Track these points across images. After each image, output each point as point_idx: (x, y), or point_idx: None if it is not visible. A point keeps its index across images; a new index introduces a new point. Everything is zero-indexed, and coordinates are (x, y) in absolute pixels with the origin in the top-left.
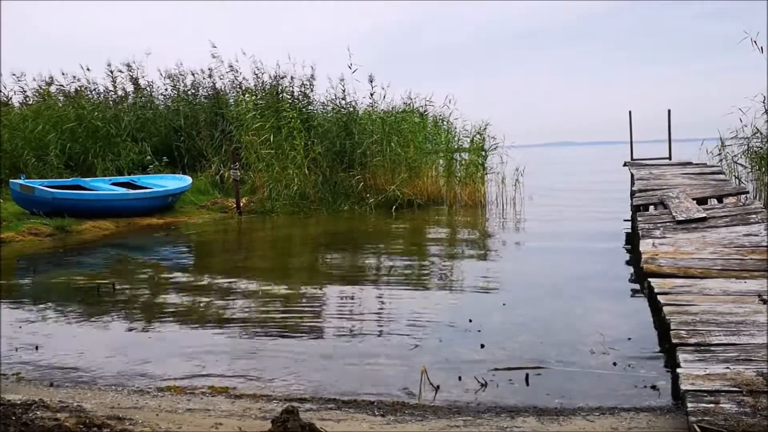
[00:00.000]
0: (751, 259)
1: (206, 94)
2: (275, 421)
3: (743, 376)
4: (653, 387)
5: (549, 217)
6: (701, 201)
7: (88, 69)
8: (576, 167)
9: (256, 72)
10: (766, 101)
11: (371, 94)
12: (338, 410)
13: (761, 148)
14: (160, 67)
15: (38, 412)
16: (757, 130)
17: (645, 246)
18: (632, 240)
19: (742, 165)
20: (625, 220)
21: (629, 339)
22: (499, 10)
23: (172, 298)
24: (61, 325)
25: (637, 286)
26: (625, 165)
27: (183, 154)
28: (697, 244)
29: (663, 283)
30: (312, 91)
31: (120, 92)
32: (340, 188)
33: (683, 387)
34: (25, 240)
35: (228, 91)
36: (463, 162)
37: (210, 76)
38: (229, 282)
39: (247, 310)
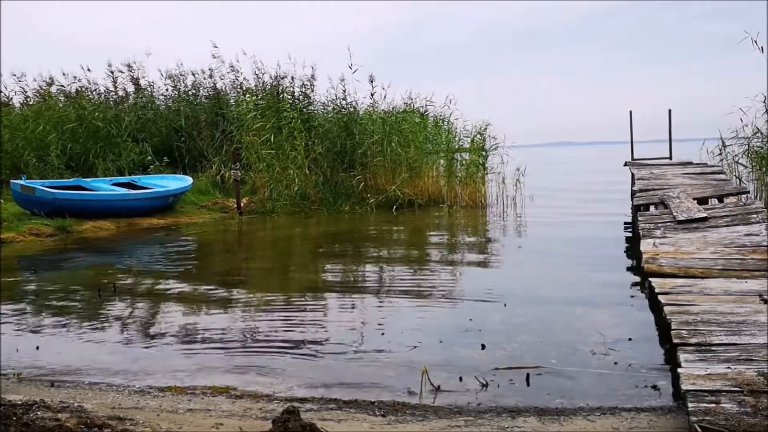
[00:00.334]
0: (752, 258)
1: (207, 94)
2: (276, 421)
3: (744, 376)
4: (654, 387)
5: (549, 216)
6: (702, 201)
7: (88, 69)
8: (576, 167)
9: (257, 72)
10: (766, 101)
11: (372, 94)
12: (339, 410)
13: (762, 147)
14: (160, 67)
15: (39, 413)
16: (758, 129)
17: (646, 246)
18: (633, 240)
19: (742, 165)
20: (625, 223)
21: (630, 339)
22: (499, 10)
23: (172, 297)
24: (61, 326)
25: (637, 286)
26: (625, 165)
27: (184, 155)
28: (697, 243)
29: (664, 282)
30: (312, 91)
31: (121, 92)
32: (341, 188)
33: (684, 387)
34: (25, 240)
35: (229, 92)
36: (464, 162)
37: (211, 76)
38: (230, 282)
39: (247, 310)
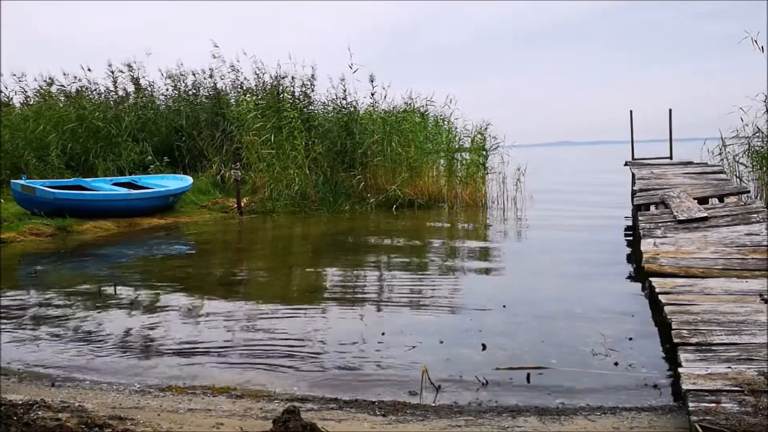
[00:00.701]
0: (753, 258)
1: (207, 94)
2: (276, 421)
3: (745, 375)
4: (654, 386)
5: (549, 216)
6: (702, 200)
7: (88, 69)
8: (576, 167)
9: (257, 72)
10: (767, 100)
11: (372, 94)
12: (339, 410)
13: (762, 147)
14: (160, 67)
15: (40, 413)
16: (758, 129)
17: (646, 245)
18: (633, 239)
19: (743, 164)
20: (626, 224)
21: (630, 339)
22: (499, 10)
23: (173, 297)
24: (62, 325)
25: (638, 286)
26: (626, 165)
27: (184, 154)
28: (698, 243)
29: (664, 282)
30: (313, 91)
31: (121, 92)
32: (341, 188)
33: (684, 386)
34: (26, 240)
35: (229, 91)
36: (464, 162)
37: (211, 76)
38: (230, 281)
39: (247, 309)
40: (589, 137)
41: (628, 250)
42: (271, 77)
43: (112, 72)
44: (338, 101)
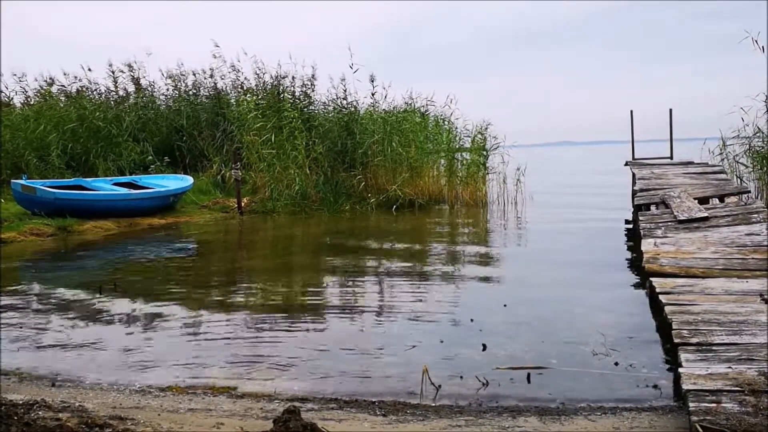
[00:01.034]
0: (753, 258)
1: (207, 94)
2: (277, 420)
3: (745, 375)
4: (655, 386)
5: (550, 216)
6: (703, 200)
7: (89, 69)
8: (577, 167)
9: (258, 72)
10: (767, 101)
11: (372, 94)
12: (340, 410)
13: (763, 147)
14: (161, 67)
15: (40, 412)
16: (759, 129)
17: (646, 245)
18: (633, 239)
19: (743, 164)
20: (626, 224)
21: (631, 339)
22: (499, 10)
23: (174, 297)
24: (62, 325)
25: (638, 286)
26: (626, 164)
27: (184, 154)
28: (698, 243)
29: (664, 282)
30: (313, 90)
31: (121, 92)
32: (342, 188)
33: (685, 386)
34: (26, 240)
35: (229, 91)
36: (464, 162)
37: (211, 76)
38: (230, 282)
39: (248, 310)
40: (589, 137)
41: (629, 250)
42: (271, 77)
43: (113, 72)
44: (339, 101)
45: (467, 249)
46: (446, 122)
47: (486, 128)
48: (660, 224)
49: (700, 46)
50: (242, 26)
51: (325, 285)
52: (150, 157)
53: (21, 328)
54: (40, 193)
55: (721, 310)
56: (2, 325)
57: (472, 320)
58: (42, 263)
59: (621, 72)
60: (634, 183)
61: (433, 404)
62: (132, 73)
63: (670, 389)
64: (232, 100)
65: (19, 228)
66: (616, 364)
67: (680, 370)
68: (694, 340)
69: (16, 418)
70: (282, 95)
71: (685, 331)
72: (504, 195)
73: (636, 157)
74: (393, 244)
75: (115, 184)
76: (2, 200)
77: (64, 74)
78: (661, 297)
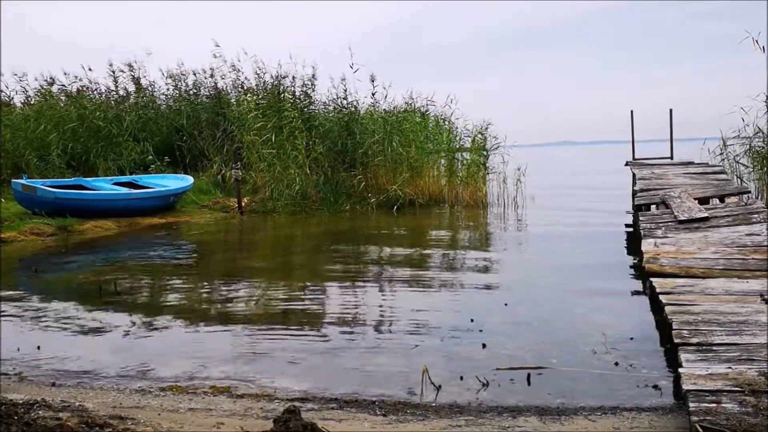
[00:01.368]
0: (753, 258)
1: (208, 93)
2: (277, 420)
3: (745, 375)
4: (655, 387)
5: (550, 216)
6: (703, 201)
7: (89, 69)
8: (577, 167)
9: (258, 72)
10: (767, 100)
11: (373, 94)
12: (340, 410)
13: (763, 147)
14: (161, 66)
15: (40, 412)
16: (759, 129)
17: (647, 246)
18: (634, 239)
19: (743, 165)
20: (626, 224)
21: (631, 339)
22: (499, 10)
23: (174, 297)
24: (62, 325)
25: (638, 286)
26: (626, 165)
27: (185, 154)
28: (699, 243)
29: (665, 282)
30: (313, 90)
31: (122, 92)
32: (342, 188)
33: (685, 387)
34: (27, 240)
35: (230, 91)
36: (465, 162)
37: (212, 75)
38: (231, 281)
39: (248, 309)
40: (589, 137)
41: (629, 251)
42: (271, 77)
43: (113, 72)
44: (339, 101)
45: (468, 249)
46: (446, 122)
47: (486, 128)
48: (660, 224)
49: (700, 46)
50: (242, 26)
51: (325, 285)
52: (150, 157)
53: (21, 327)
54: (40, 193)
55: (722, 311)
56: (2, 325)
57: (472, 320)
58: (42, 263)
59: (621, 72)
60: (634, 183)
61: (434, 404)
62: (132, 73)
63: (670, 389)
64: (233, 100)
65: (20, 227)
66: (617, 364)
67: (680, 370)
68: (694, 340)
69: (16, 417)
70: (282, 95)
71: (685, 331)
72: (504, 195)
73: (636, 157)
74: (393, 245)
75: (116, 183)
76: (3, 200)
77: (65, 74)
78: (661, 297)
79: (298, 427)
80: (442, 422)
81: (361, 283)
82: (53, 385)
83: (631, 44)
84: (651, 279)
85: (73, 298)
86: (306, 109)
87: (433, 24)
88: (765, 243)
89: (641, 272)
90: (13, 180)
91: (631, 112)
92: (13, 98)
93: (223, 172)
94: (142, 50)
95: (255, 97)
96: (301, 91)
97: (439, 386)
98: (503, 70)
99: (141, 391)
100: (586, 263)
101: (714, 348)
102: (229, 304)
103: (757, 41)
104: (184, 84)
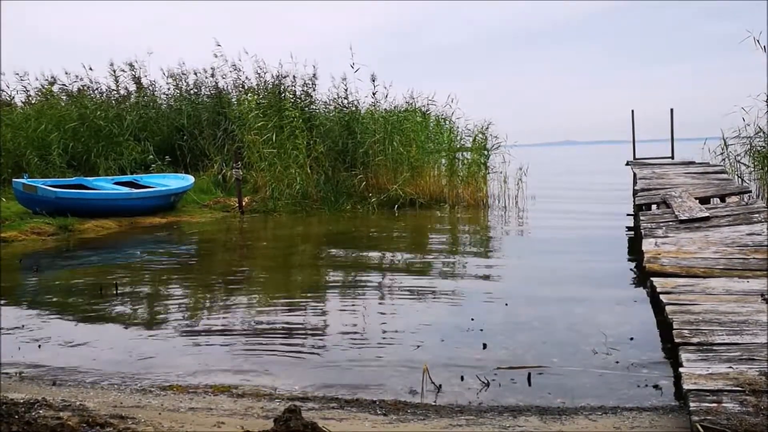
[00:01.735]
0: (754, 258)
1: (209, 93)
2: (278, 420)
3: (746, 375)
4: (655, 386)
5: (551, 216)
6: (704, 200)
7: (90, 68)
8: (578, 166)
9: (259, 71)
10: None
11: (373, 94)
12: (340, 409)
13: (764, 147)
14: (162, 66)
15: (41, 411)
16: (760, 129)
17: (647, 245)
18: (634, 239)
19: (744, 164)
20: (628, 226)
21: (631, 338)
22: (499, 10)
23: (175, 297)
24: (63, 324)
25: (639, 286)
26: (627, 164)
27: (185, 154)
28: (699, 243)
29: (665, 282)
30: (314, 90)
31: (122, 91)
32: (342, 187)
33: (686, 386)
34: (27, 239)
35: (230, 91)
36: (465, 161)
37: (212, 75)
38: (232, 281)
39: (249, 309)
40: (590, 137)
41: (630, 250)
42: (272, 76)
43: (114, 71)
44: (340, 101)
45: (468, 249)
46: (447, 122)
47: (487, 128)
48: (661, 224)
49: (700, 46)
50: (243, 26)
51: (325, 284)
52: (151, 157)
53: (21, 327)
54: (41, 192)
55: (722, 310)
56: (2, 325)
57: (472, 319)
58: (43, 262)
59: (621, 72)
60: (635, 183)
61: (434, 403)
62: (133, 73)
63: (670, 389)
64: (233, 100)
65: (21, 227)
66: (617, 363)
67: (681, 369)
68: (694, 340)
69: (16, 416)
70: (283, 94)
71: (685, 331)
72: (505, 195)
73: (637, 156)
74: (394, 244)
75: (116, 183)
76: (3, 199)
77: (66, 73)
78: (661, 297)
79: (299, 427)
80: (442, 422)
81: (361, 283)
82: (54, 384)
83: (631, 44)
84: (651, 278)
85: (73, 298)
86: (307, 109)
87: (433, 24)
88: (766, 243)
89: (642, 272)
90: (14, 179)
91: (632, 111)
92: (14, 98)
93: (224, 171)
94: (142, 50)
95: (256, 97)
96: (302, 90)
97: (440, 386)
98: (503, 70)
99: (142, 390)
100: (587, 263)
101: (715, 348)
102: (230, 304)
103: (758, 41)
104: (184, 83)
